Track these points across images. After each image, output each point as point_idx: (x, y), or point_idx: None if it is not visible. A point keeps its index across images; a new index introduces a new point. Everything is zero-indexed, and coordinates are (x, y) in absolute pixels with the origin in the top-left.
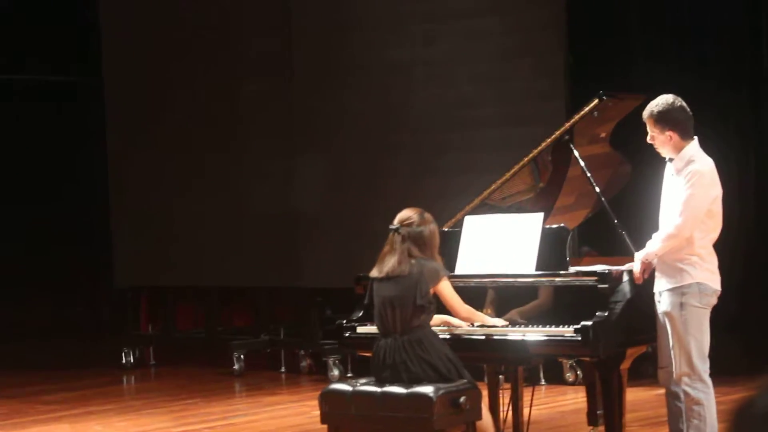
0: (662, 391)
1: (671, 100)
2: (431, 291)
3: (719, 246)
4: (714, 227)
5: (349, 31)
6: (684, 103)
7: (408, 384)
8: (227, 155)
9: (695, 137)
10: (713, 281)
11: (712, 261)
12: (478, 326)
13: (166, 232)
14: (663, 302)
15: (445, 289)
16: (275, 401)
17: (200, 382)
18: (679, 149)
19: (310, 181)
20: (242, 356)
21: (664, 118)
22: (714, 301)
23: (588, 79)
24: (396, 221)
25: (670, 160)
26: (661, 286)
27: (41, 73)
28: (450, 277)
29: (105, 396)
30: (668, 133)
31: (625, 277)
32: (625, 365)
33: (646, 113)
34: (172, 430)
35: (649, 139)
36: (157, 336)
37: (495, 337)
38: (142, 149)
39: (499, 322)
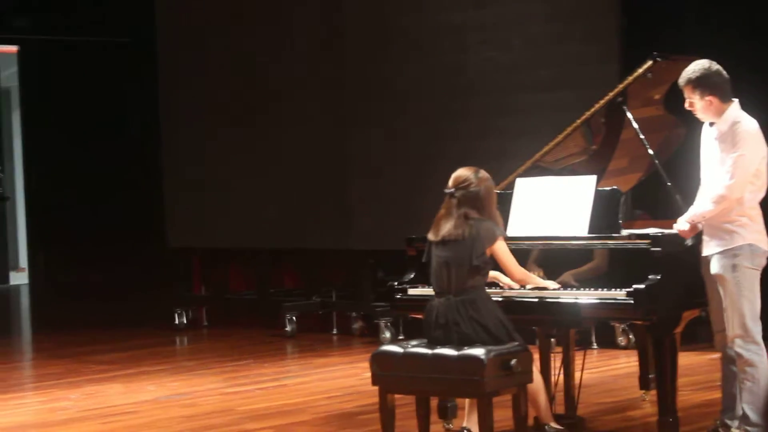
0: (715, 355)
1: (707, 65)
2: (487, 252)
3: (766, 206)
4: (761, 187)
5: None
6: (719, 66)
7: (459, 345)
8: (281, 119)
9: (735, 99)
10: (763, 242)
11: (761, 222)
12: (529, 288)
13: (218, 193)
14: (714, 265)
15: (501, 249)
16: (327, 363)
17: (252, 343)
18: (720, 112)
19: (362, 144)
20: (294, 318)
21: (702, 83)
22: (764, 262)
23: (641, 41)
24: (451, 183)
25: (711, 124)
26: (710, 249)
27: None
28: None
29: (157, 356)
30: (708, 98)
31: (678, 240)
32: (678, 329)
33: (682, 80)
34: (224, 391)
35: (687, 106)
36: (209, 297)
37: (547, 300)
38: (196, 112)
39: (551, 284)
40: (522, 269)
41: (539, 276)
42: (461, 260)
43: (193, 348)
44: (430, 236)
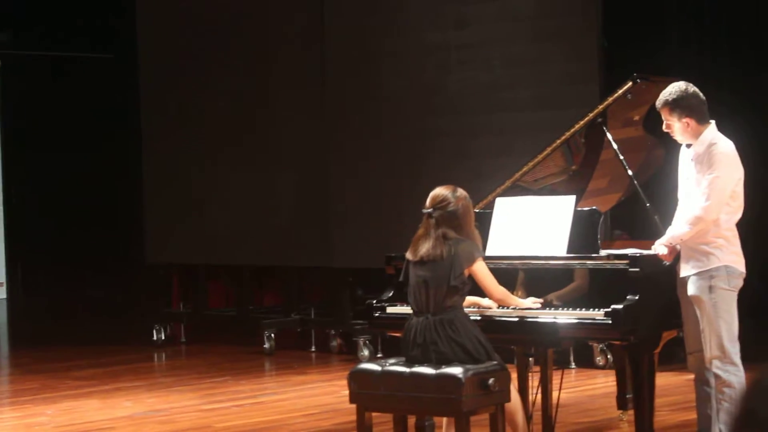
0: (693, 376)
1: (684, 87)
2: (465, 272)
3: (742, 228)
4: (737, 209)
5: (382, 14)
6: (696, 89)
7: (437, 364)
8: (260, 135)
9: (712, 121)
10: (739, 263)
11: (737, 243)
12: (511, 309)
13: (198, 210)
14: (691, 287)
15: (480, 270)
16: (305, 380)
17: (230, 360)
18: (697, 134)
19: (342, 162)
20: (273, 335)
21: (679, 106)
22: (741, 283)
23: (622, 63)
24: (428, 203)
25: (688, 145)
26: (687, 270)
27: (81, 50)
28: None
29: (135, 372)
30: (685, 119)
31: (656, 261)
32: (656, 349)
33: (659, 102)
34: (201, 407)
35: (665, 128)
36: (188, 314)
37: (526, 319)
38: (177, 128)
39: (532, 303)
40: (502, 289)
41: (518, 296)
42: (439, 280)
43: (170, 364)
44: (409, 255)
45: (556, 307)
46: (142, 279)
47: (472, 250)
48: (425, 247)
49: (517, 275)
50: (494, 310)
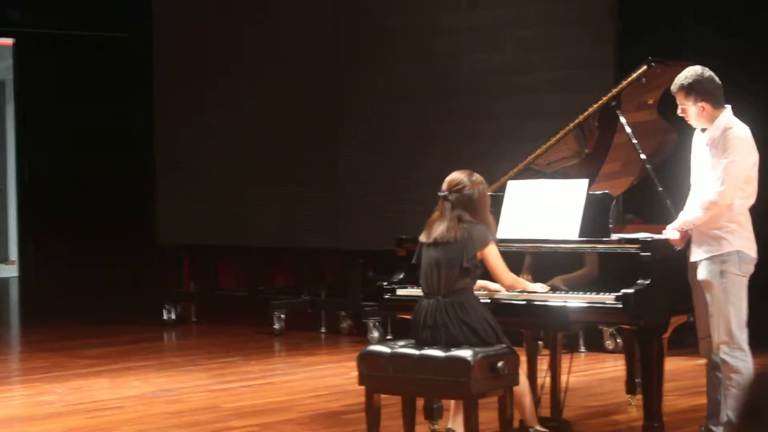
0: (702, 361)
1: (700, 71)
2: (478, 255)
3: (755, 214)
4: (752, 194)
5: None
6: (712, 73)
7: (446, 346)
8: (272, 117)
9: (727, 105)
10: (752, 249)
11: (750, 228)
12: (518, 292)
13: (210, 191)
14: (701, 271)
15: (492, 253)
16: (314, 361)
17: (240, 340)
18: (712, 119)
19: (353, 143)
20: (283, 316)
21: (694, 90)
22: (752, 269)
23: (637, 45)
24: (444, 186)
25: (703, 130)
26: (698, 255)
27: (93, 29)
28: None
29: (145, 352)
30: (701, 104)
31: (668, 246)
32: (666, 334)
33: (675, 86)
34: (210, 388)
35: (680, 112)
36: (198, 294)
37: (535, 303)
38: (191, 109)
39: (541, 287)
40: (512, 275)
41: (528, 279)
42: (452, 262)
43: (180, 344)
44: (422, 238)
45: (566, 291)
46: (153, 259)
47: (485, 234)
48: (439, 229)
49: (526, 259)
50: (504, 293)
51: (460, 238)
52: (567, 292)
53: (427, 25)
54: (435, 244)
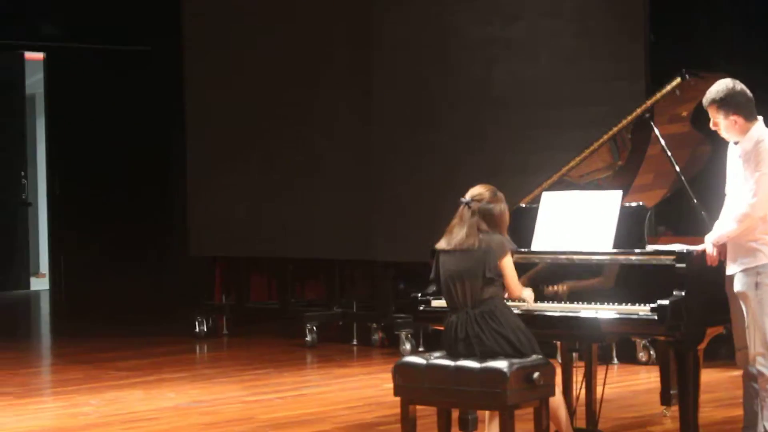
0: (737, 372)
1: (731, 85)
2: (500, 264)
3: None
4: None
5: (428, 6)
6: (743, 86)
7: (481, 358)
8: (305, 128)
9: (759, 117)
10: None
11: None
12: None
13: (241, 202)
14: (737, 283)
15: (507, 264)
16: (347, 373)
17: (272, 352)
18: (745, 131)
19: (387, 155)
20: (315, 328)
21: (726, 103)
22: None
23: (670, 57)
24: (468, 195)
25: (736, 142)
26: (734, 268)
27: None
28: (526, 253)
29: (178, 364)
30: (732, 117)
31: (703, 257)
32: (702, 345)
33: (706, 101)
34: (244, 399)
35: (712, 126)
36: (230, 306)
37: (568, 315)
38: (222, 121)
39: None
40: (521, 287)
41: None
42: (474, 272)
43: (213, 356)
44: (441, 244)
45: (599, 302)
46: (186, 271)
47: (504, 242)
48: (459, 236)
49: (563, 270)
50: (536, 305)
51: (478, 247)
52: (600, 302)
53: (462, 38)
54: (453, 251)
